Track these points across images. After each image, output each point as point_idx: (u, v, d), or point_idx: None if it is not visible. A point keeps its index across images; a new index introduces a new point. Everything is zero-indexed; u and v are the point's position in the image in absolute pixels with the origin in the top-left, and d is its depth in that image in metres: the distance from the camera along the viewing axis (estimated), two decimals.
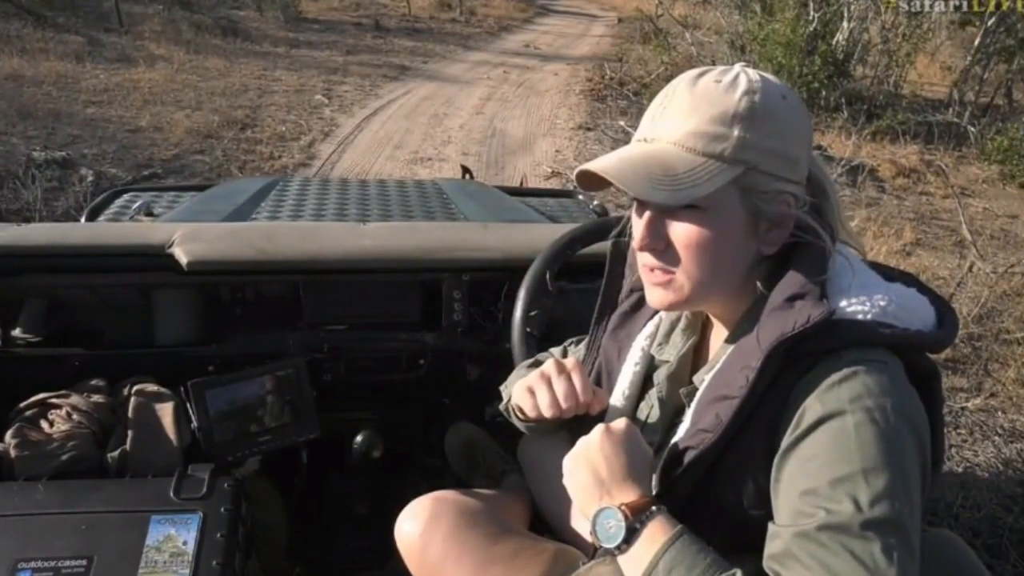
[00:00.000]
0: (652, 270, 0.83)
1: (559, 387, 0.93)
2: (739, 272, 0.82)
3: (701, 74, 0.81)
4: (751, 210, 0.79)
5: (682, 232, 0.79)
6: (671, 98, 0.80)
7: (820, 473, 0.69)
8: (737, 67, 0.81)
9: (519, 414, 1.03)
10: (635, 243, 0.82)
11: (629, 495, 0.79)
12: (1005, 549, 2.16)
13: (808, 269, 0.78)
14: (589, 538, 0.83)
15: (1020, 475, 2.54)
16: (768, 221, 0.80)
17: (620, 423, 0.85)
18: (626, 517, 0.77)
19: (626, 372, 0.97)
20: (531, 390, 0.95)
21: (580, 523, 1.12)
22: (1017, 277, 4.12)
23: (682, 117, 0.78)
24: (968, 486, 2.39)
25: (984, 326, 3.64)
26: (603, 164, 0.79)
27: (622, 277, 1.04)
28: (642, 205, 0.81)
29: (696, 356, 0.93)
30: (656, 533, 0.76)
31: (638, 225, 0.81)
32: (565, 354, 1.19)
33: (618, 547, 0.77)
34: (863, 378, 0.71)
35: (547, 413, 0.94)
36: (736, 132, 0.76)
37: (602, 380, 1.00)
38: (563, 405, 0.93)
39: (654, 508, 0.78)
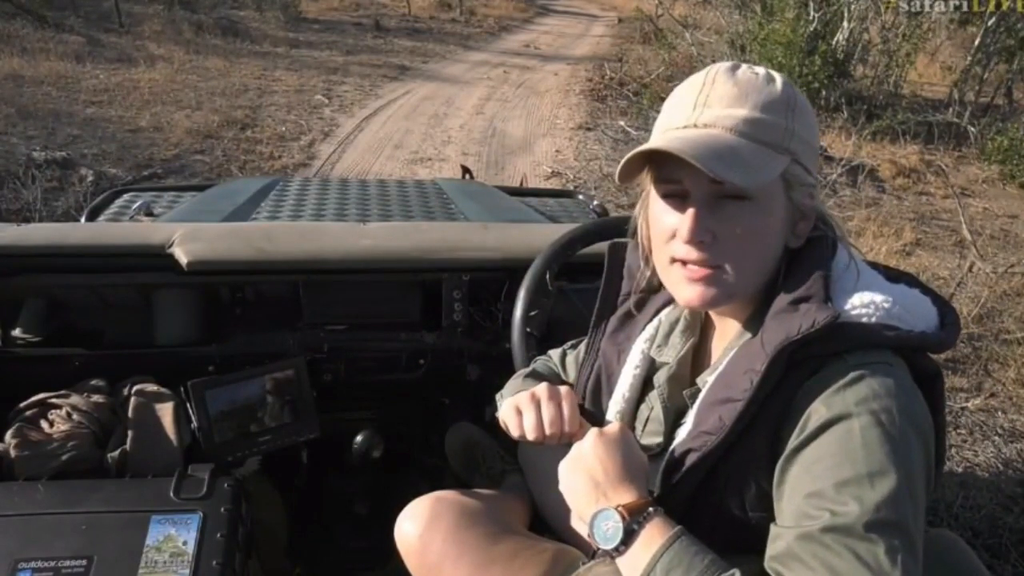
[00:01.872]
0: (691, 265, 0.79)
1: (547, 412, 0.93)
2: (773, 266, 0.81)
3: (734, 67, 0.80)
4: (790, 202, 0.79)
5: (733, 223, 0.77)
6: (712, 87, 0.79)
7: (825, 476, 0.69)
8: (747, 66, 0.82)
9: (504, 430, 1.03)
10: (682, 236, 0.78)
11: (626, 496, 0.79)
12: (1005, 549, 2.15)
13: (812, 270, 0.78)
14: (589, 539, 0.83)
15: (1020, 475, 2.54)
16: (800, 213, 0.80)
17: (613, 427, 0.85)
18: (623, 518, 0.77)
19: (626, 375, 0.97)
20: (518, 410, 0.95)
21: (580, 523, 1.12)
22: (1017, 277, 4.12)
23: (731, 104, 0.77)
24: (968, 486, 2.39)
25: (984, 326, 3.64)
26: (673, 144, 0.74)
27: (620, 279, 1.03)
28: (681, 198, 0.79)
29: (696, 358, 0.93)
30: (654, 534, 0.75)
31: (683, 219, 0.78)
32: (565, 357, 1.18)
33: (616, 548, 0.77)
34: (868, 381, 0.71)
35: (530, 436, 0.94)
36: (786, 122, 0.77)
37: (602, 383, 1.00)
38: (547, 431, 0.93)
39: (651, 509, 0.78)
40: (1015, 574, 2.08)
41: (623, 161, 0.79)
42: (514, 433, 0.97)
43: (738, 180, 0.73)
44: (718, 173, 0.72)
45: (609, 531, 0.78)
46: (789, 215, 0.80)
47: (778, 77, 0.79)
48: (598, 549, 0.80)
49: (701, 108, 0.78)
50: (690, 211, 0.77)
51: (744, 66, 0.80)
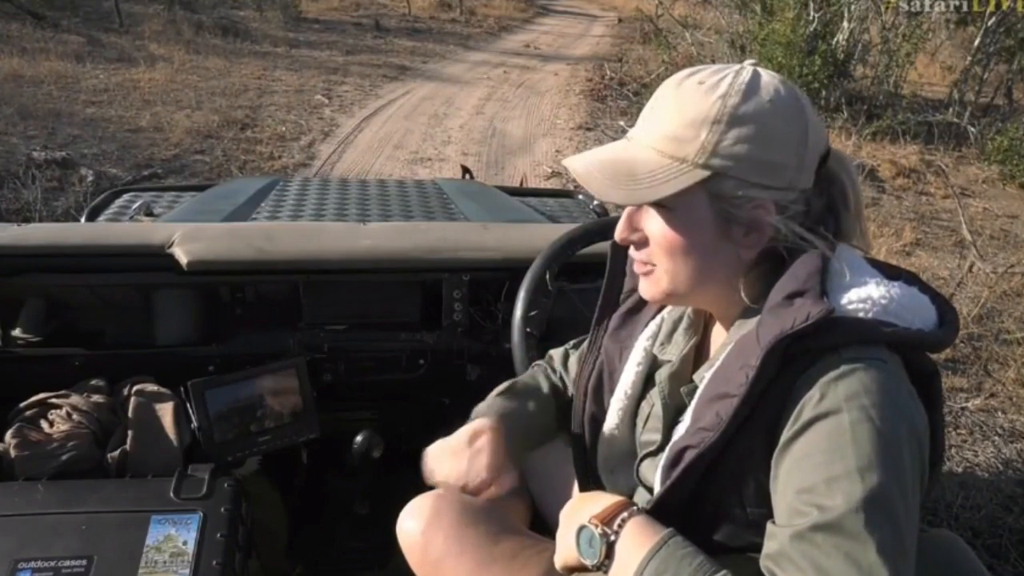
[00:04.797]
0: (637, 262, 0.87)
1: (472, 465, 0.98)
2: (720, 272, 0.82)
3: (692, 73, 0.80)
4: (721, 214, 0.79)
5: (650, 229, 0.82)
6: (658, 99, 0.82)
7: (815, 471, 0.69)
8: (738, 66, 0.80)
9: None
10: (615, 236, 0.86)
11: (595, 507, 0.81)
12: (1005, 549, 2.16)
13: (808, 267, 0.78)
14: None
15: (1020, 475, 2.54)
16: (743, 226, 0.79)
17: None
18: (596, 527, 0.78)
19: (628, 372, 0.97)
20: (439, 456, 1.01)
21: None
22: (1017, 277, 4.11)
23: (662, 120, 0.80)
24: (968, 486, 2.39)
25: (984, 326, 3.64)
26: (574, 162, 0.84)
27: (623, 277, 1.03)
28: None
29: (698, 355, 0.93)
30: (641, 540, 0.76)
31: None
32: (567, 357, 1.17)
33: (601, 564, 0.78)
34: (860, 376, 0.71)
35: (451, 482, 0.99)
36: (702, 136, 0.76)
37: (604, 380, 1.00)
38: (469, 484, 0.98)
39: (625, 513, 0.78)
40: (1015, 574, 2.08)
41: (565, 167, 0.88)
42: (434, 478, 1.02)
43: (616, 199, 0.81)
44: (595, 192, 0.81)
45: (591, 545, 0.79)
46: (720, 226, 0.79)
47: (721, 88, 0.77)
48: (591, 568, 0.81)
49: (642, 122, 0.83)
50: (624, 214, 0.85)
51: (704, 72, 0.79)
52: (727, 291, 0.83)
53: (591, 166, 0.82)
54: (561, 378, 1.17)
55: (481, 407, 1.09)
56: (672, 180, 0.77)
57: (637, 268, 0.87)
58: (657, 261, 0.83)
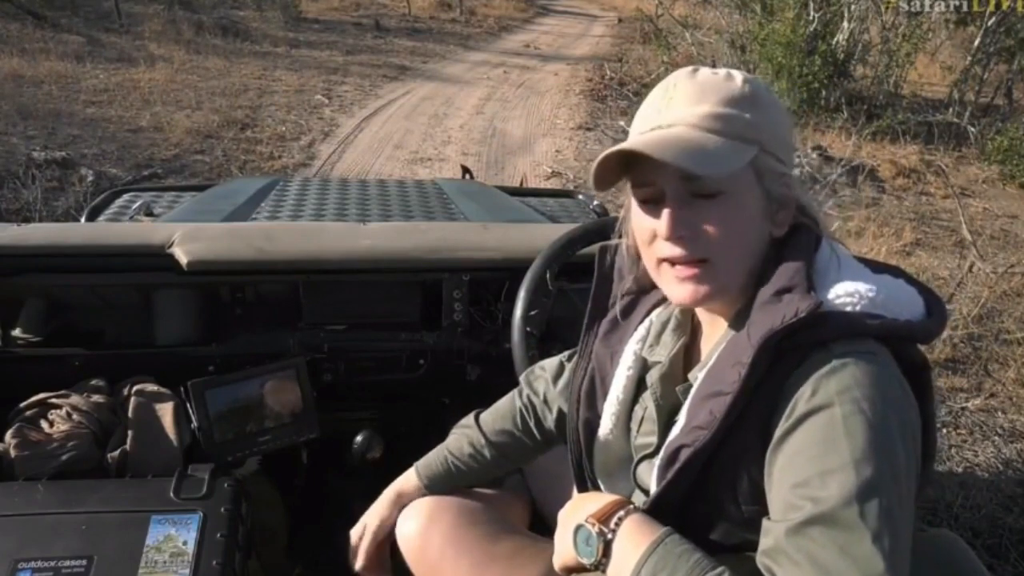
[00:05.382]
0: (677, 264, 0.80)
1: (357, 553, 1.17)
2: (759, 257, 0.82)
3: (695, 70, 0.83)
4: (764, 193, 0.80)
5: (711, 218, 0.78)
6: (674, 89, 0.81)
7: (808, 465, 0.69)
8: (708, 68, 0.85)
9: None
10: (663, 235, 0.79)
11: (592, 506, 0.81)
12: (1005, 549, 2.16)
13: (796, 261, 0.78)
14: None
15: (1020, 475, 2.54)
16: (777, 203, 0.81)
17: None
18: (593, 526, 0.78)
19: (619, 376, 0.96)
20: (361, 532, 1.18)
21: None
22: (1017, 277, 4.12)
23: (693, 103, 0.79)
24: (968, 486, 2.39)
25: (984, 326, 3.64)
26: (637, 144, 0.76)
27: (611, 282, 1.02)
28: (657, 200, 0.80)
29: (687, 356, 0.93)
30: (638, 540, 0.76)
31: (661, 219, 0.79)
32: (562, 368, 1.15)
33: (598, 563, 0.78)
34: (851, 370, 0.71)
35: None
36: (746, 114, 0.78)
37: (596, 386, 0.99)
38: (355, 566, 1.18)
39: (622, 512, 0.79)
40: (1015, 574, 2.08)
41: (595, 165, 0.80)
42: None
43: (706, 171, 0.75)
44: (684, 166, 0.74)
45: (589, 545, 0.79)
46: (765, 205, 0.81)
47: (738, 74, 0.81)
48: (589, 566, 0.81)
49: (664, 111, 0.81)
50: (667, 209, 0.79)
51: (704, 68, 0.83)
52: (747, 283, 0.82)
53: (661, 144, 0.76)
54: (545, 398, 1.14)
55: (421, 463, 1.18)
56: (738, 153, 0.77)
57: (679, 272, 0.80)
58: (713, 254, 0.79)
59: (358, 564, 1.18)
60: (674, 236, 0.79)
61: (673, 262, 0.81)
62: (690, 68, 0.83)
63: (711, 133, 0.77)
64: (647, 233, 0.82)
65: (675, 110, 0.80)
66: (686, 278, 0.80)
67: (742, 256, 0.80)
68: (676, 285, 0.82)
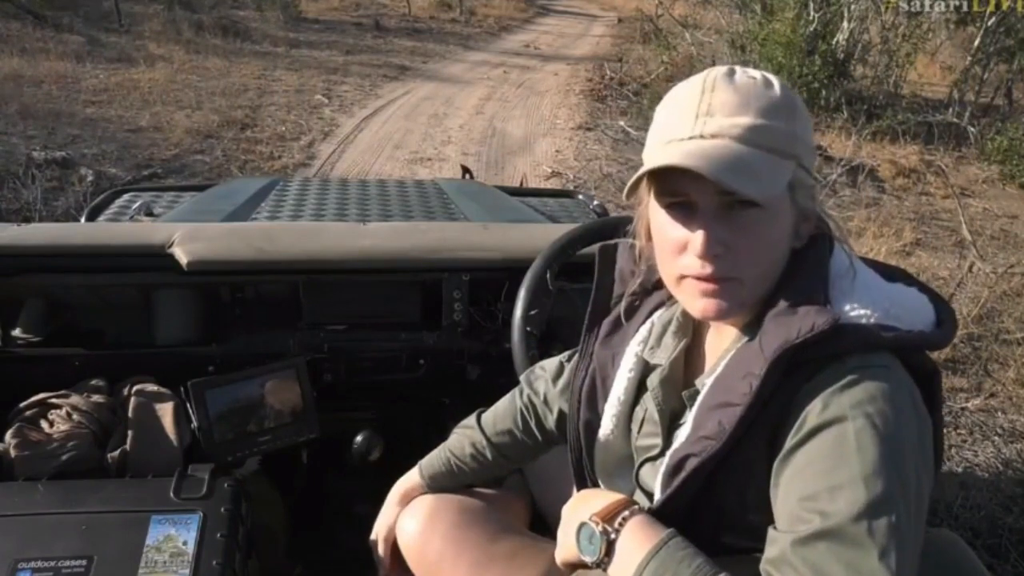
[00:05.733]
0: (703, 279, 0.77)
1: (379, 563, 1.17)
2: (780, 270, 0.80)
3: (730, 71, 0.79)
4: (794, 205, 0.78)
5: (745, 232, 0.75)
6: (712, 94, 0.77)
7: (819, 479, 0.69)
8: (742, 69, 0.81)
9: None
10: (696, 252, 0.75)
11: (597, 504, 0.81)
12: (1005, 549, 2.16)
13: (811, 272, 0.78)
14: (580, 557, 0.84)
15: (1020, 475, 2.54)
16: (803, 216, 0.80)
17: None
18: (597, 525, 0.78)
19: (620, 378, 0.96)
20: (376, 539, 1.18)
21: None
22: (1017, 277, 4.12)
23: (735, 112, 0.75)
24: (968, 486, 2.39)
25: (984, 326, 3.64)
26: (687, 160, 0.72)
27: (612, 283, 1.02)
28: (687, 209, 0.77)
29: (688, 359, 0.92)
30: (641, 540, 0.76)
31: (693, 233, 0.76)
32: (561, 368, 1.14)
33: (600, 562, 0.78)
34: (866, 384, 0.71)
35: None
36: (787, 127, 0.76)
37: (597, 387, 0.99)
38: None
39: (626, 512, 0.78)
40: (1015, 574, 2.08)
41: (634, 179, 0.77)
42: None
43: (754, 192, 0.71)
44: (737, 188, 0.71)
45: (592, 543, 0.79)
46: (795, 219, 0.79)
47: (775, 80, 0.78)
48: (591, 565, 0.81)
49: (704, 117, 0.76)
50: (700, 224, 0.75)
51: (739, 70, 0.79)
52: (764, 294, 0.80)
53: (712, 162, 0.72)
54: (545, 399, 1.13)
55: (424, 463, 1.18)
56: (781, 170, 0.75)
57: (703, 286, 0.77)
58: (743, 270, 0.76)
59: (382, 573, 1.18)
60: (708, 254, 0.75)
61: (699, 277, 0.77)
62: (725, 69, 0.79)
63: (754, 148, 0.74)
64: (674, 243, 0.78)
65: (716, 118, 0.75)
66: (710, 293, 0.77)
67: (768, 272, 0.78)
68: (699, 299, 0.78)
